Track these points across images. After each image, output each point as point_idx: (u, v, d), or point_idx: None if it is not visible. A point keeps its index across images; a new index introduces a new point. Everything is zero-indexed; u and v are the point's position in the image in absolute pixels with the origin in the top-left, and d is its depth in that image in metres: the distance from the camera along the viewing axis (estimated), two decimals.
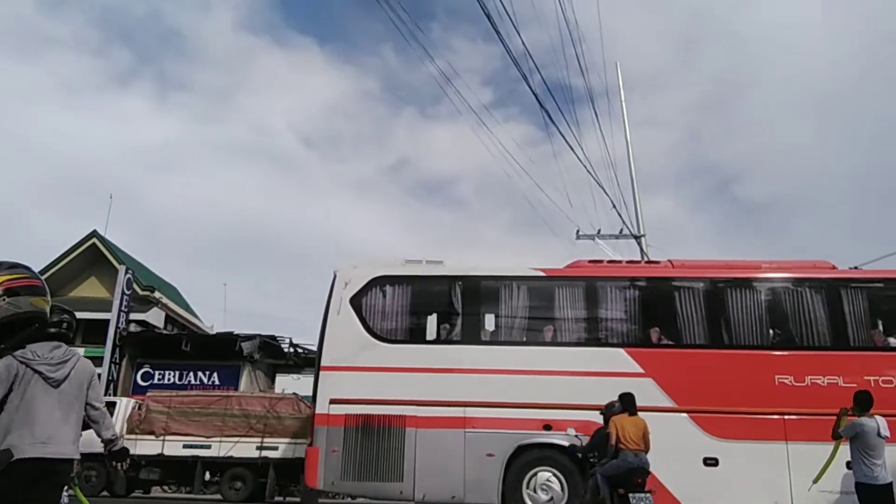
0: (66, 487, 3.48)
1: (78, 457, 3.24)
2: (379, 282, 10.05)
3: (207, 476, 15.59)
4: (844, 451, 7.20)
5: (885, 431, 6.74)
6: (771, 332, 9.50)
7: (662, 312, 9.67)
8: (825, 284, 9.51)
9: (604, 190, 19.74)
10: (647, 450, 7.68)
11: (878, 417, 6.87)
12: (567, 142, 14.63)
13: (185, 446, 15.09)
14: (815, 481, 7.63)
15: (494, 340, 9.85)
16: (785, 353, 9.20)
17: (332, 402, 9.37)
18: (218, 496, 15.58)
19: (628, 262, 10.50)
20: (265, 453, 15.07)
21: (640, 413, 7.84)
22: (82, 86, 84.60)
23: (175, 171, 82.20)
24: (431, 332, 9.99)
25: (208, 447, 15.20)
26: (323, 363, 9.72)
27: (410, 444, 9.10)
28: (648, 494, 7.53)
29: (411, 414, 9.22)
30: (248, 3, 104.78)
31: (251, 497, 14.93)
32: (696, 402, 8.98)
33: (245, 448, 15.14)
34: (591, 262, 10.57)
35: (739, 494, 8.53)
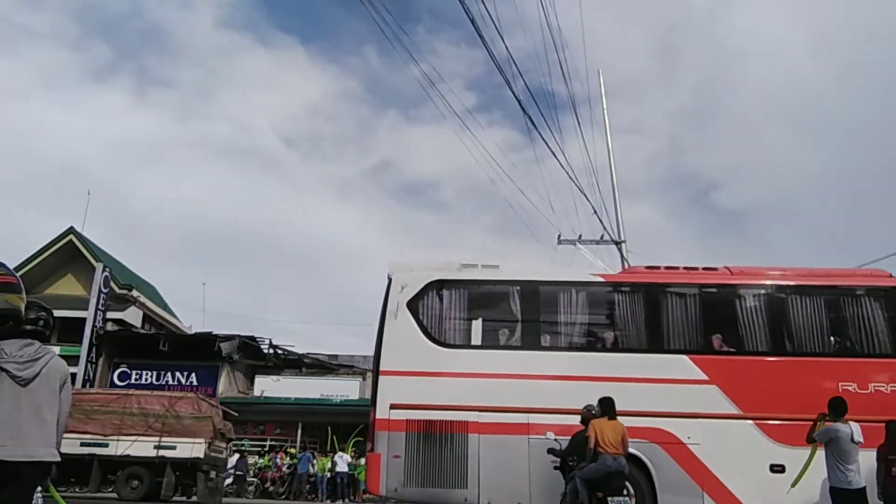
0: (37, 489, 3.37)
1: (54, 459, 3.11)
2: (436, 286, 9.93)
3: (104, 474, 15.41)
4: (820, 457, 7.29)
5: (859, 437, 6.83)
6: (832, 339, 9.53)
7: (724, 319, 9.64)
8: (886, 293, 9.56)
9: (585, 196, 19.84)
10: (625, 454, 7.75)
11: (852, 423, 6.95)
12: (549, 147, 14.71)
13: (81, 444, 14.91)
14: (793, 485, 7.71)
15: (555, 346, 9.79)
16: (849, 360, 9.27)
17: (393, 407, 9.17)
18: (114, 495, 15.42)
19: (686, 268, 10.50)
20: (163, 452, 15.02)
21: (707, 419, 8.09)
22: (60, 80, 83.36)
23: (154, 167, 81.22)
24: (490, 338, 9.91)
25: (105, 445, 15.08)
26: (382, 367, 9.53)
27: (474, 450, 8.96)
28: (626, 498, 7.58)
29: (474, 420, 9.08)
30: (231, 0, 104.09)
31: (147, 496, 14.83)
32: (761, 409, 8.96)
33: (143, 447, 15.08)
34: (648, 268, 10.54)
35: (807, 501, 8.52)
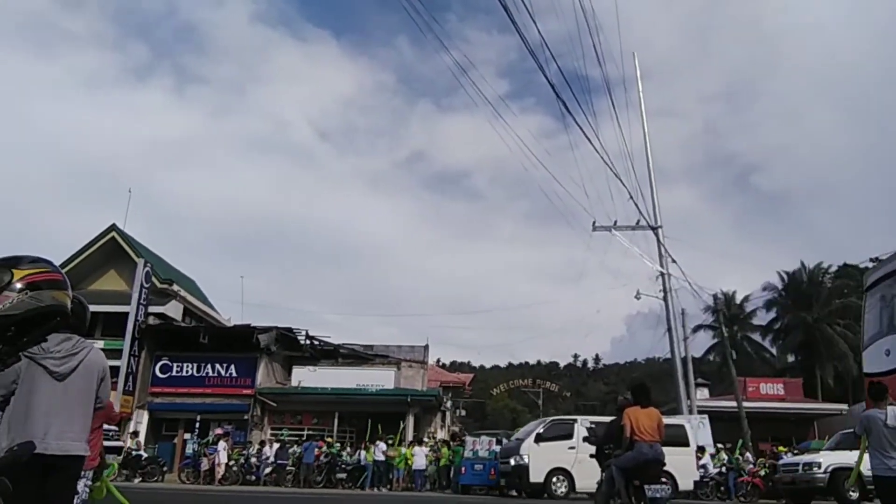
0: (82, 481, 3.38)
1: (86, 453, 3.12)
2: None
3: None
4: None
5: (894, 422, 6.54)
6: None
7: None
8: None
9: (620, 181, 19.68)
10: (661, 441, 7.67)
11: (889, 408, 6.67)
12: (584, 132, 14.55)
13: None
14: (851, 484, 7.35)
15: None
16: None
17: None
18: None
19: None
20: None
21: None
22: (100, 80, 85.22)
23: (193, 164, 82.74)
24: None
25: None
26: None
27: None
28: (664, 486, 7.51)
29: None
30: None
31: None
32: None
33: None
34: None
35: None
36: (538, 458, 16.17)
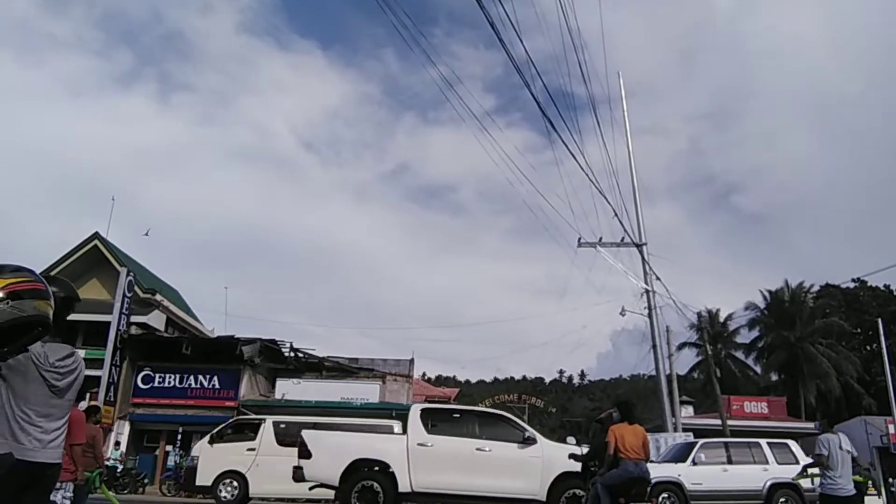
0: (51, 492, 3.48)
1: (60, 460, 3.22)
2: None
3: None
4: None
5: (847, 446, 7.12)
6: None
7: None
8: None
9: (605, 198, 19.77)
10: (647, 458, 7.66)
11: (841, 434, 7.31)
12: (569, 149, 14.63)
13: None
14: None
15: None
16: None
17: None
18: None
19: None
20: None
21: None
22: (84, 87, 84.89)
23: (177, 172, 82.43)
24: None
25: None
26: None
27: None
28: None
29: None
30: (251, 6, 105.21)
31: None
32: None
33: None
34: None
35: None
36: (209, 459, 15.33)
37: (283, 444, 14.82)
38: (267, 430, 15.71)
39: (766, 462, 14.01)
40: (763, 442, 14.87)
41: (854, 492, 7.01)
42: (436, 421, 10.58)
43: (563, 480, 9.57)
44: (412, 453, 9.92)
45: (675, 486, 13.49)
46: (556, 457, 9.71)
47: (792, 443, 14.99)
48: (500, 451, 9.95)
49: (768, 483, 13.45)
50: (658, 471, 12.42)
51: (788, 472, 12.76)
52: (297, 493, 14.41)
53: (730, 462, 14.25)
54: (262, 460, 15.07)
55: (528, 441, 9.99)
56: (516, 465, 9.89)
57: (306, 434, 10.33)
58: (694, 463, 14.16)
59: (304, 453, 9.92)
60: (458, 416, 11.30)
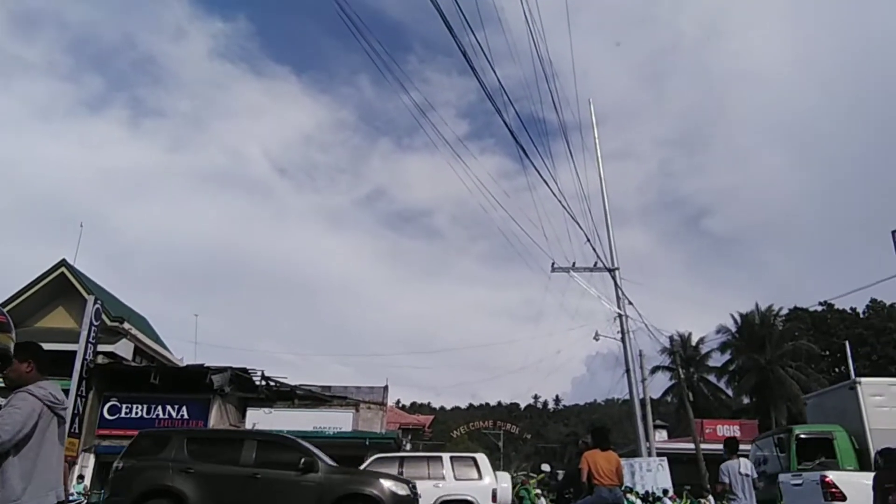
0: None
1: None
2: None
3: None
4: None
5: (746, 470, 7.69)
6: None
7: None
8: None
9: (578, 224, 19.96)
10: (621, 484, 7.68)
11: (742, 459, 7.96)
12: (541, 175, 14.79)
13: None
14: None
15: None
16: None
17: None
18: None
19: None
20: None
21: None
22: (53, 111, 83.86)
23: (147, 197, 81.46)
24: None
25: None
26: None
27: None
28: None
29: None
30: (225, 31, 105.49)
31: None
32: None
33: None
34: None
35: None
36: None
37: None
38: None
39: (443, 478, 13.43)
40: (446, 456, 14.27)
41: None
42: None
43: None
44: None
45: None
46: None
47: (480, 457, 14.48)
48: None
49: (440, 501, 12.89)
50: None
51: (466, 489, 12.57)
52: None
53: None
54: None
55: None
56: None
57: None
58: None
59: None
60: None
